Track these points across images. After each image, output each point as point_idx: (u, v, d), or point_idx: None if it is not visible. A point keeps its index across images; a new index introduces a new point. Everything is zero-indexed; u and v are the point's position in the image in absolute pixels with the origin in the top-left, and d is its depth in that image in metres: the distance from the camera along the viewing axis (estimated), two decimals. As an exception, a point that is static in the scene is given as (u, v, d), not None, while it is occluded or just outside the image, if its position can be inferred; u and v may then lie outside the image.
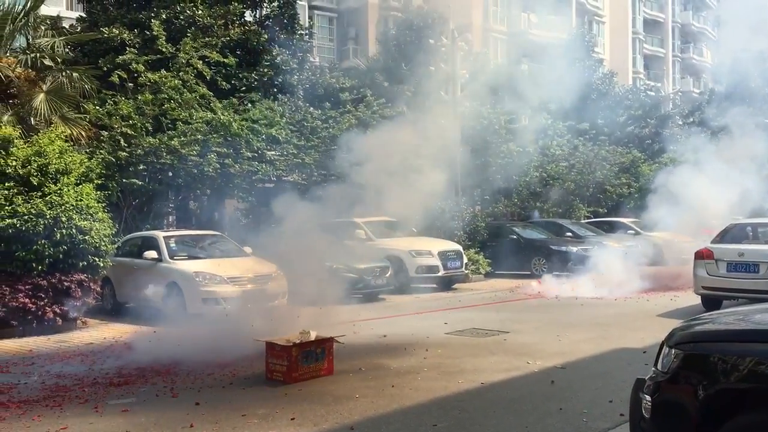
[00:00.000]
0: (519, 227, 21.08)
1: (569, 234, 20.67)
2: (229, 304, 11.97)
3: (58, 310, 11.25)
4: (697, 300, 12.66)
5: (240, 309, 11.77)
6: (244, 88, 20.04)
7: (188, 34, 18.56)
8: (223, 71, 19.38)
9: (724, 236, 12.99)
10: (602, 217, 25.79)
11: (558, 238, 20.01)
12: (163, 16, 19.19)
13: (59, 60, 16.75)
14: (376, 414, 6.33)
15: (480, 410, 6.42)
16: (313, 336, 7.83)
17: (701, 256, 12.42)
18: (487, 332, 10.58)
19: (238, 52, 20.24)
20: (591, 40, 37.85)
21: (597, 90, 32.74)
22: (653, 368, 4.34)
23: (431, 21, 29.89)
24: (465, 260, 17.54)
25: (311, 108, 20.85)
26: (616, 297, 14.26)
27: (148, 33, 18.73)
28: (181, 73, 17.47)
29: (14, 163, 11.26)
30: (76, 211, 11.45)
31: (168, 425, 6.10)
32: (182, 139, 16.54)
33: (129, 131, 16.36)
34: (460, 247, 17.54)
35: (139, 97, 17.06)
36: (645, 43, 54.66)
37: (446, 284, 16.79)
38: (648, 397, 4.14)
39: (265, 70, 20.73)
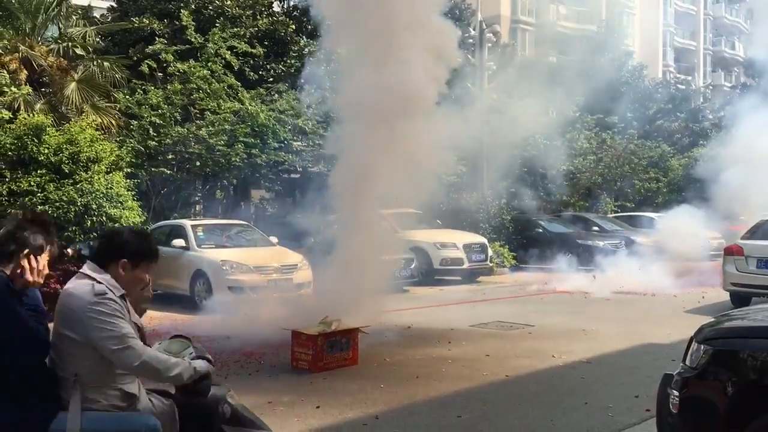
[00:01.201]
0: (545, 221, 20.95)
1: (596, 228, 20.51)
2: (255, 292, 12.11)
3: (87, 297, 11.42)
4: (725, 297, 12.51)
5: (267, 298, 11.90)
6: (271, 79, 20.13)
7: (217, 25, 18.67)
8: (251, 62, 19.48)
9: (754, 232, 12.81)
10: (630, 212, 25.53)
11: (584, 232, 19.86)
12: (192, 6, 19.33)
13: (90, 49, 16.99)
14: (400, 404, 6.36)
15: (504, 403, 6.43)
16: (335, 325, 7.86)
17: (731, 252, 12.26)
18: (512, 325, 10.56)
19: (266, 43, 20.32)
20: (621, 32, 37.39)
21: (626, 83, 32.36)
22: (681, 364, 4.31)
23: (459, 12, 29.78)
24: (490, 253, 17.48)
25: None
26: (643, 292, 14.13)
27: (177, 23, 18.88)
28: (209, 63, 17.59)
29: (46, 150, 11.45)
30: (107, 199, 11.63)
31: (195, 411, 6.18)
32: (210, 129, 16.68)
33: (158, 121, 16.54)
34: (485, 240, 17.48)
35: (168, 87, 17.22)
36: (676, 36, 53.86)
37: (471, 277, 16.76)
38: (676, 393, 4.11)
39: (293, 60, 20.80)
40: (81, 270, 3.47)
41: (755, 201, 18.97)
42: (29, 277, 3.21)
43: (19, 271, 3.18)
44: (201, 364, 3.57)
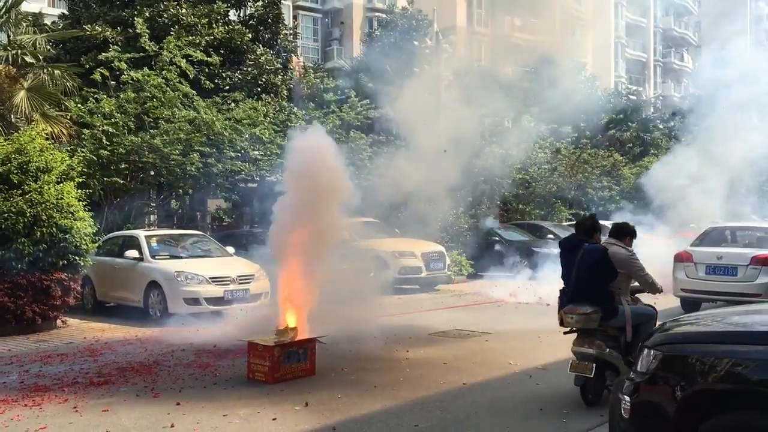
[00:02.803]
0: (501, 229, 21.17)
1: (551, 236, 20.78)
2: (211, 304, 11.96)
3: (37, 309, 11.13)
4: (676, 302, 12.79)
5: (222, 309, 11.76)
6: (227, 88, 19.96)
7: (172, 33, 18.44)
8: (207, 70, 19.29)
9: (703, 239, 13.15)
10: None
11: (540, 240, 20.11)
12: (147, 14, 19.07)
13: (41, 57, 16.61)
14: (358, 414, 6.34)
15: (461, 411, 6.46)
16: (291, 335, 7.80)
17: (680, 258, 12.56)
18: (470, 333, 10.63)
19: (222, 52, 20.14)
20: (573, 44, 38.06)
21: (579, 93, 32.92)
22: (632, 369, 4.40)
23: (416, 23, 30.00)
24: (448, 261, 17.58)
25: (295, 108, 20.80)
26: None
27: (131, 31, 18.61)
28: (164, 72, 17.35)
29: (-6, 160, 11.13)
30: (57, 210, 11.34)
31: (149, 425, 6.08)
32: (165, 137, 16.43)
33: (111, 129, 16.23)
34: (443, 249, 17.57)
35: (122, 96, 16.93)
36: (627, 48, 55.11)
37: (429, 285, 16.82)
38: (627, 398, 4.19)
39: (249, 69, 20.67)
40: (608, 241, 7.01)
41: (704, 209, 19.49)
42: None
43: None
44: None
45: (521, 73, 23.85)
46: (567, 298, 6.80)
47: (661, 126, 35.47)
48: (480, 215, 22.60)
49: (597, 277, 6.54)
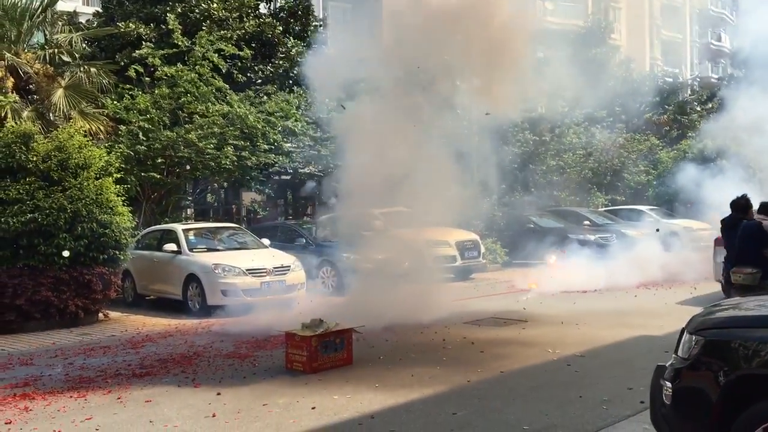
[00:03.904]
0: (536, 216, 20.99)
1: (587, 222, 20.54)
2: (249, 295, 12.10)
3: (80, 303, 11.39)
4: (717, 288, 12.56)
5: (259, 300, 11.89)
6: (259, 81, 20.07)
7: (203, 28, 18.58)
8: (239, 64, 19.41)
9: (744, 223, 12.85)
10: (620, 205, 25.60)
11: (576, 227, 19.90)
12: (179, 10, 19.22)
13: (77, 55, 16.89)
14: (396, 403, 6.37)
15: (499, 398, 6.44)
16: (324, 327, 7.84)
17: (721, 243, 12.30)
18: (506, 321, 10.59)
19: (254, 45, 20.24)
20: (607, 26, 37.43)
21: (614, 77, 32.41)
22: (674, 355, 4.34)
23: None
24: (482, 250, 17.49)
25: (327, 99, 20.83)
26: (636, 285, 14.17)
27: (163, 27, 18.79)
28: (197, 67, 17.51)
29: (35, 158, 11.37)
30: (97, 205, 11.58)
31: (191, 415, 6.18)
32: (199, 132, 16.61)
33: (147, 125, 16.46)
34: (477, 237, 17.49)
35: (156, 91, 17.14)
36: (662, 29, 54.03)
37: (464, 274, 16.77)
38: (668, 384, 4.14)
39: (281, 62, 20.75)
40: (759, 217, 8.34)
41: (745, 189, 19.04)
42: None
43: None
44: None
45: (553, 57, 23.56)
46: (730, 264, 8.35)
47: (698, 108, 34.73)
48: (515, 203, 22.44)
49: (755, 246, 8.03)
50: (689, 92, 39.89)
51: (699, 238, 18.70)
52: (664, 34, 54.37)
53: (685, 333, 4.28)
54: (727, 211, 9.06)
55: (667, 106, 33.89)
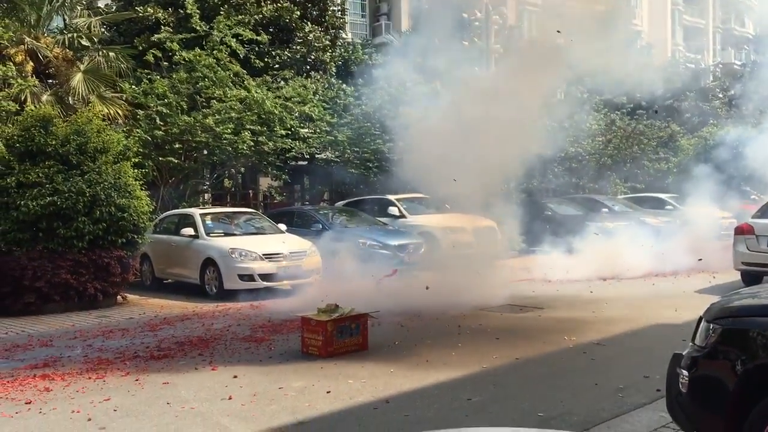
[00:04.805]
0: (554, 203, 20.85)
1: (605, 210, 20.38)
2: (265, 280, 12.17)
3: (98, 286, 11.51)
4: (736, 276, 12.45)
5: (276, 285, 11.95)
6: (277, 66, 20.06)
7: (221, 12, 18.59)
8: (256, 49, 19.42)
9: (765, 211, 12.71)
10: (640, 193, 25.36)
11: (594, 214, 19.74)
12: (197, -5, 19.24)
13: (95, 40, 16.98)
14: (410, 388, 6.38)
15: (515, 385, 6.43)
16: (339, 312, 7.85)
17: (741, 231, 12.18)
18: (522, 308, 10.56)
19: (271, 30, 20.23)
20: (628, 11, 36.95)
21: (635, 63, 32.01)
22: (691, 343, 4.30)
23: (464, -5, 29.48)
24: (500, 237, 17.41)
25: (344, 85, 20.80)
26: (655, 273, 14.06)
27: (181, 11, 18.81)
28: (214, 52, 17.54)
29: (54, 141, 11.46)
30: (115, 189, 11.67)
31: (207, 397, 6.23)
32: (217, 117, 16.65)
33: (164, 110, 16.52)
34: (494, 224, 17.41)
35: (174, 76, 17.18)
36: (684, 14, 53.27)
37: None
38: (685, 372, 4.10)
39: (298, 47, 20.72)
40: None
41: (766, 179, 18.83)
42: None
43: None
44: None
45: (573, 43, 23.32)
46: None
47: (720, 95, 34.27)
48: (532, 189, 22.32)
49: None
50: (711, 79, 39.39)
51: (720, 226, 18.51)
52: (686, 19, 53.59)
53: (702, 321, 4.23)
54: None
55: (688, 93, 33.46)
